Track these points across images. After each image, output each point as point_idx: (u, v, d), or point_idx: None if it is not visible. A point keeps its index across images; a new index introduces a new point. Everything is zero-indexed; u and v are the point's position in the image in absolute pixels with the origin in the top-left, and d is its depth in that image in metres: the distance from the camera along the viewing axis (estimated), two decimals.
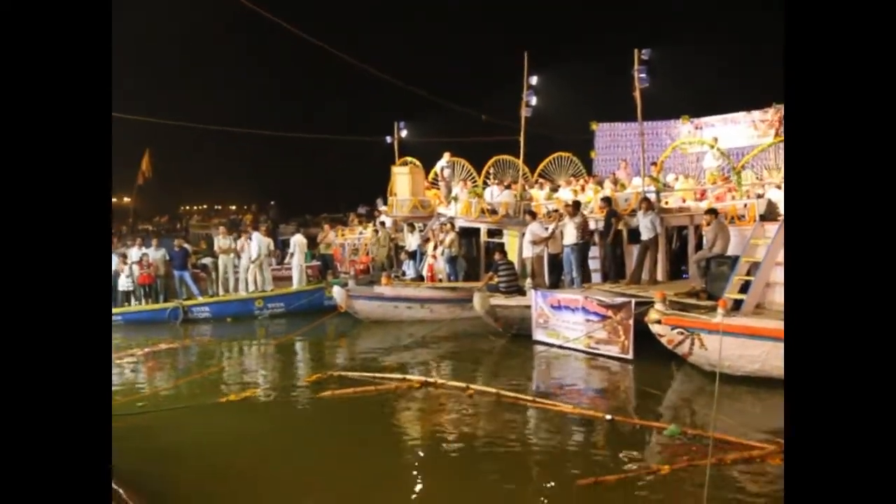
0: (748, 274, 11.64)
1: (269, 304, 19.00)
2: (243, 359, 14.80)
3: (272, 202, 44.68)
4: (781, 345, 10.02)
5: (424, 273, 18.24)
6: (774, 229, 11.96)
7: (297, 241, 20.30)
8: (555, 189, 18.87)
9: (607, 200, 14.76)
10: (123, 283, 19.38)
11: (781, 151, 17.15)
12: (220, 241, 20.39)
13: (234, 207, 58.46)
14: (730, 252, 12.51)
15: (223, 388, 11.42)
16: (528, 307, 13.64)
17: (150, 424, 9.52)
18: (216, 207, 62.97)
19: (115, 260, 19.58)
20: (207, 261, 20.99)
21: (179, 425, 9.55)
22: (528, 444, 8.31)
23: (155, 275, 19.73)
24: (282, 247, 21.58)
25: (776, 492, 6.74)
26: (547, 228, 14.92)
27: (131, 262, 19.61)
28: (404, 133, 22.19)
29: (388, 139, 22.24)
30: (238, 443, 8.93)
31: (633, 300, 11.91)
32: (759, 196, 14.20)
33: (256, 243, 19.63)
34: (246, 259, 19.57)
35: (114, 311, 18.97)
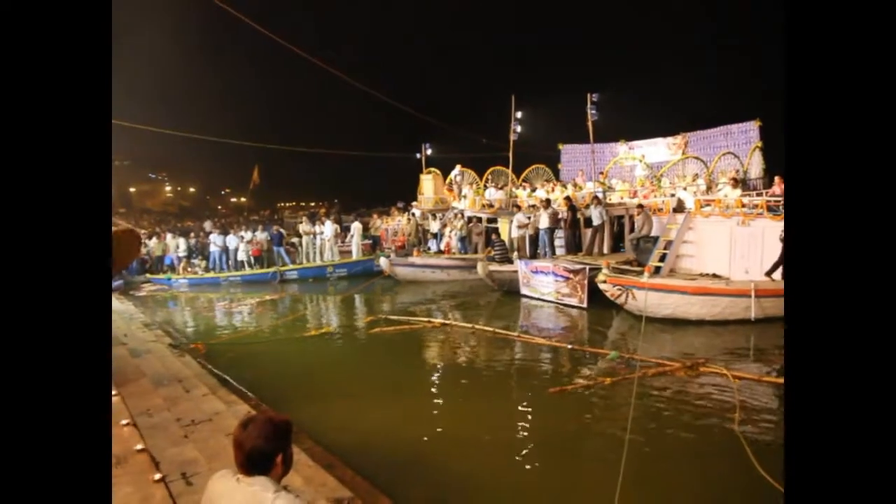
0: (665, 248, 11.59)
1: (337, 269, 19.05)
2: (320, 307, 14.90)
3: (336, 200, 44.69)
4: (688, 296, 10.03)
5: (443, 248, 18.25)
6: (682, 218, 11.88)
7: (356, 226, 20.37)
8: (533, 190, 18.76)
9: (568, 199, 14.65)
10: (242, 255, 19.55)
11: (687, 165, 16.99)
12: (303, 227, 20.45)
13: (312, 204, 58.49)
14: (653, 234, 12.45)
15: (307, 325, 11.54)
16: (516, 272, 13.62)
17: (260, 350, 9.65)
18: (301, 204, 63.09)
19: (235, 239, 19.74)
20: (295, 240, 21.10)
21: (278, 350, 9.68)
22: (514, 366, 8.35)
23: (262, 249, 19.88)
24: (345, 230, 21.61)
25: (677, 394, 6.79)
26: (528, 217, 14.83)
27: (246, 241, 19.75)
28: (429, 151, 22.20)
29: (418, 155, 22.25)
30: (317, 361, 9.06)
31: (587, 267, 11.87)
32: (672, 195, 14.08)
33: (329, 228, 19.71)
34: (321, 239, 19.66)
35: (235, 273, 19.18)
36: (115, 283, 16.43)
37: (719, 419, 6.05)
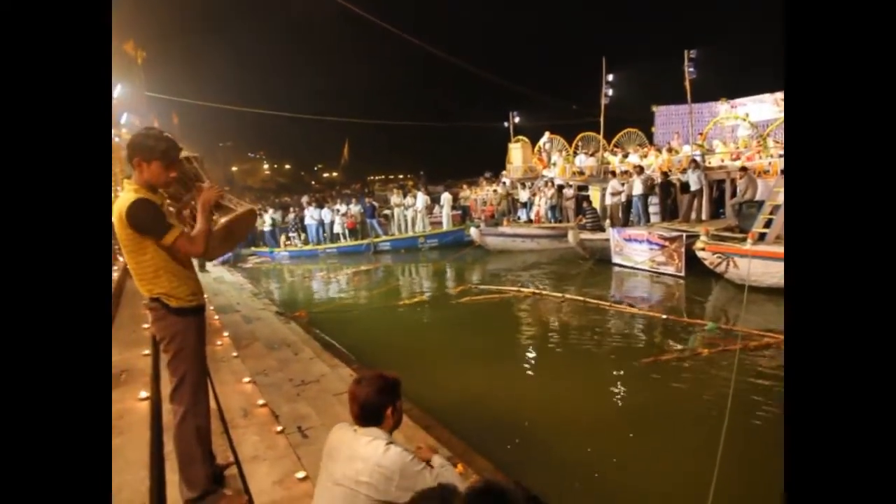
0: (771, 213, 10.94)
1: (428, 240, 19.47)
2: (412, 277, 15.38)
3: (422, 172, 45.37)
4: None
5: (533, 217, 18.16)
6: None
7: (445, 196, 20.64)
8: (626, 155, 18.17)
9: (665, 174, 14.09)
10: (337, 227, 20.43)
11: None
12: (394, 199, 21.03)
13: (401, 176, 59.57)
14: (758, 198, 11.78)
15: (401, 295, 11.98)
16: (608, 240, 13.38)
17: (357, 318, 10.19)
18: (389, 176, 64.45)
19: (329, 213, 20.63)
20: (387, 212, 21.72)
21: (374, 318, 10.18)
22: (606, 336, 8.30)
23: (356, 222, 20.67)
24: (434, 201, 21.97)
25: (782, 367, 6.51)
26: (623, 184, 14.46)
27: (340, 214, 20.59)
28: (517, 119, 22.00)
29: (505, 124, 22.13)
30: (411, 329, 9.45)
31: (685, 234, 11.47)
32: (780, 156, 13.19)
33: (420, 199, 20.13)
34: (412, 210, 20.11)
35: (331, 245, 20.09)
36: (226, 257, 17.74)
37: None
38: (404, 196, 21.26)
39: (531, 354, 7.74)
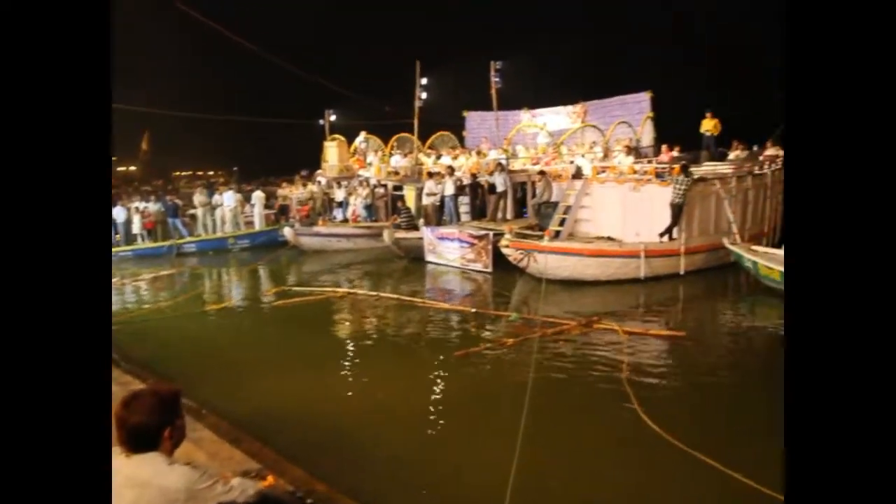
0: (564, 213, 12.15)
1: (239, 241, 18.38)
2: (221, 280, 14.40)
3: (235, 168, 42.76)
4: (584, 258, 10.63)
5: (349, 216, 18.07)
6: (580, 184, 12.47)
7: (257, 195, 19.69)
8: (439, 157, 18.89)
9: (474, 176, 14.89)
10: (135, 227, 18.40)
11: (586, 133, 17.76)
12: (198, 197, 19.50)
13: (211, 173, 55.46)
14: (553, 199, 12.99)
15: (208, 300, 11.13)
16: (421, 239, 13.77)
17: (157, 328, 9.24)
18: (198, 173, 59.61)
19: (123, 211, 18.49)
20: (193, 211, 20.07)
21: (177, 327, 9.31)
22: (421, 332, 8.54)
23: (155, 222, 18.77)
24: (247, 200, 20.78)
25: (574, 350, 7.27)
26: (438, 185, 14.97)
27: (138, 213, 18.57)
28: (332, 118, 21.70)
29: (321, 121, 21.70)
30: (219, 336, 8.83)
31: (492, 232, 12.22)
32: (571, 162, 14.71)
33: (230, 197, 18.92)
34: (222, 209, 18.85)
35: (127, 247, 18.00)
36: None
37: (610, 372, 6.56)
38: (212, 194, 19.78)
39: (349, 355, 7.67)
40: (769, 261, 9.74)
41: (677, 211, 10.83)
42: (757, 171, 13.07)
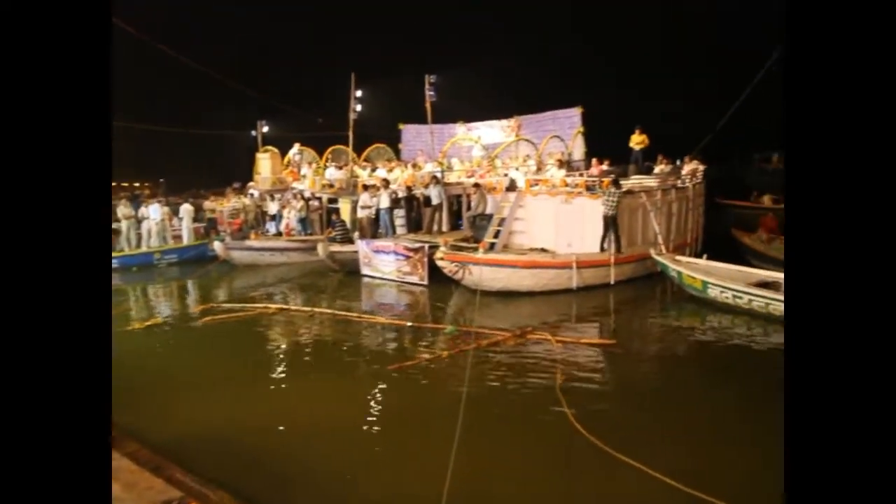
0: (499, 225, 12.33)
1: (166, 256, 17.58)
2: (147, 297, 13.71)
3: (161, 179, 41.08)
4: (518, 270, 10.79)
5: (282, 230, 17.67)
6: (513, 196, 12.70)
7: (185, 208, 18.93)
8: (374, 169, 18.81)
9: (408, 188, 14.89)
10: None
11: (520, 146, 18.15)
12: (122, 210, 18.55)
13: (137, 184, 52.99)
14: (488, 211, 13.16)
15: (131, 318, 10.56)
16: (357, 252, 13.63)
17: None
18: (123, 184, 56.84)
19: None
20: (116, 225, 19.07)
21: None
22: (356, 347, 8.40)
23: None
24: (175, 213, 19.95)
25: (508, 360, 7.34)
26: (373, 198, 14.87)
27: None
28: (265, 129, 21.24)
29: (253, 133, 21.20)
30: (145, 357, 8.37)
31: (427, 245, 12.23)
32: (505, 175, 14.98)
33: (155, 210, 18.10)
34: (148, 222, 18.01)
35: None
36: None
37: (544, 381, 6.66)
38: (136, 207, 18.86)
39: (282, 372, 7.44)
40: (692, 270, 10.21)
41: (610, 222, 11.23)
42: (680, 185, 13.74)
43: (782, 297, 8.88)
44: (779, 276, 9.92)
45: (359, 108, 17.45)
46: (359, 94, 17.43)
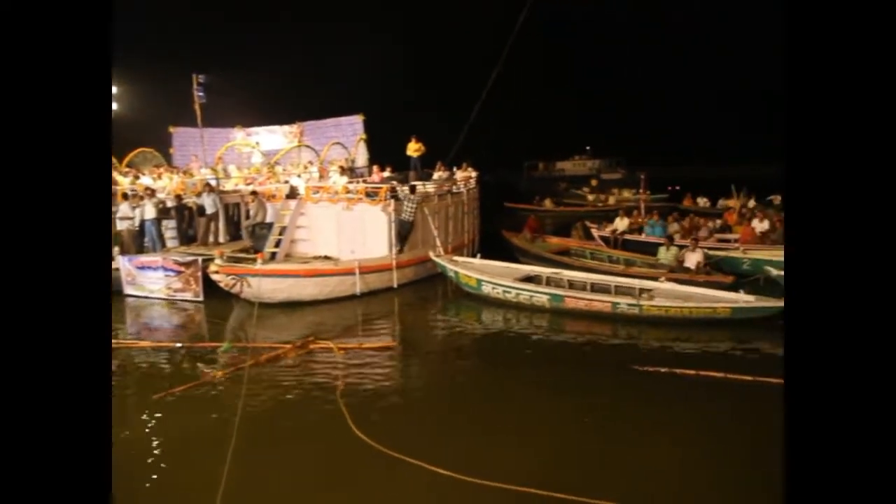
0: (280, 234, 11.98)
1: None
2: None
3: None
4: (301, 279, 10.58)
5: None
6: (294, 204, 12.45)
7: None
8: (137, 177, 16.97)
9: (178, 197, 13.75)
10: None
11: (302, 153, 17.86)
12: None
13: None
14: (268, 220, 12.71)
15: None
16: (117, 270, 12.13)
17: None
18: None
19: None
20: None
21: None
22: (120, 375, 7.46)
23: None
24: None
25: (289, 374, 7.15)
26: (133, 208, 13.34)
27: None
28: None
29: None
30: None
31: (201, 258, 11.38)
32: (286, 182, 14.62)
33: None
34: None
35: None
36: None
37: (325, 390, 6.62)
38: None
39: None
40: (468, 270, 11.00)
41: (408, 227, 11.66)
42: (455, 190, 14.71)
43: (544, 290, 10.01)
44: (541, 270, 11.18)
45: (115, 106, 15.68)
46: (114, 90, 15.66)
